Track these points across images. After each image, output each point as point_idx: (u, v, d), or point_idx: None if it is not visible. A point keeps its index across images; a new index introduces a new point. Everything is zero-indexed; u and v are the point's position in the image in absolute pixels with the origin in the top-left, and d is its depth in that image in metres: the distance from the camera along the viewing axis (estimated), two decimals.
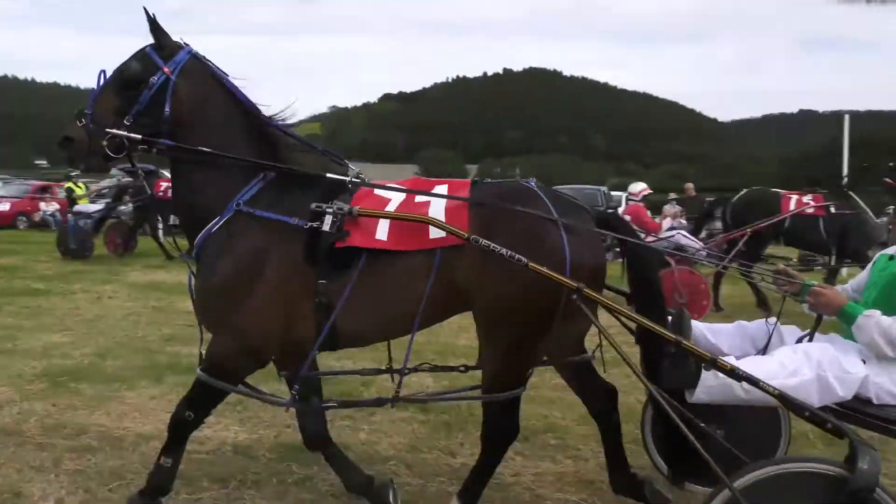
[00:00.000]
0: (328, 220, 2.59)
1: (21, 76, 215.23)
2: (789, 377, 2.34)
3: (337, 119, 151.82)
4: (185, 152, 2.75)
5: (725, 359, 2.33)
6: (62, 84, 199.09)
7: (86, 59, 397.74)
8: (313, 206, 2.62)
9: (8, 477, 3.41)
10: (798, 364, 2.38)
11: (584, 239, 2.60)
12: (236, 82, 2.86)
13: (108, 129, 2.67)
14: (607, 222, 2.82)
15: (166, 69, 2.71)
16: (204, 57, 2.86)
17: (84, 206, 14.57)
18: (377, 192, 2.76)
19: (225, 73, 2.88)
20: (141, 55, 2.77)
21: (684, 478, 2.98)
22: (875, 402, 2.42)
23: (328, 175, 2.78)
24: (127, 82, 2.73)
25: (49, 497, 3.21)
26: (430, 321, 2.75)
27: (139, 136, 2.70)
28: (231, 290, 2.65)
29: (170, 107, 2.70)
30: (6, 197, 21.78)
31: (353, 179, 2.79)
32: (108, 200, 13.97)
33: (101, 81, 2.76)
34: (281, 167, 2.77)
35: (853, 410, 2.42)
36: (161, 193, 10.34)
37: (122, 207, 13.70)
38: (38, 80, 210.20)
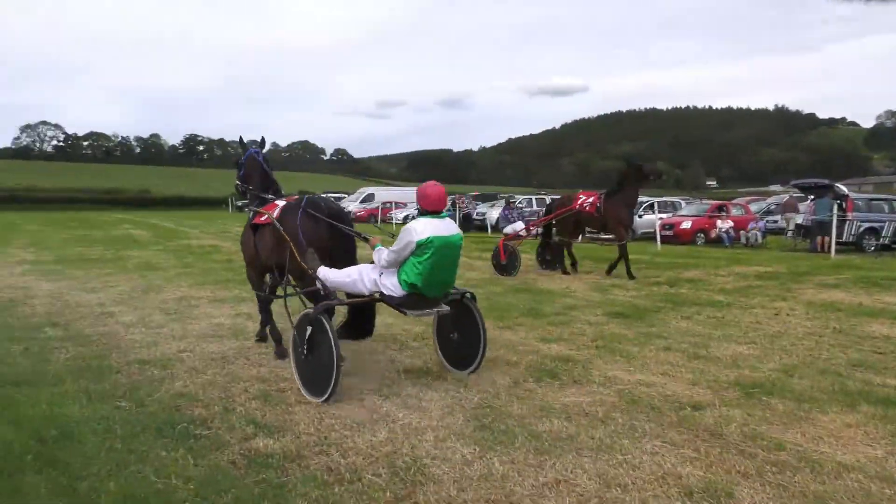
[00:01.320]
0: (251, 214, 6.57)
1: (699, 105, 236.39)
2: (346, 278, 5.46)
3: None
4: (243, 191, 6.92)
5: (321, 271, 5.58)
6: (734, 108, 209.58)
7: (759, 83, 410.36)
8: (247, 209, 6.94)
9: (718, 476, 3.73)
10: (351, 273, 5.47)
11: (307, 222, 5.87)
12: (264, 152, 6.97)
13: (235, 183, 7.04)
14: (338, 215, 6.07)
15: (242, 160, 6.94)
16: (257, 152, 6.83)
17: None
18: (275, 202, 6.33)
19: (258, 152, 6.85)
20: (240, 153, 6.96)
21: (454, 365, 5.90)
22: (385, 292, 5.26)
23: (262, 196, 6.66)
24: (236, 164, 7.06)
25: None
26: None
27: (237, 185, 7.00)
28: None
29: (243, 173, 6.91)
30: (688, 216, 24.28)
31: (268, 196, 6.61)
32: None
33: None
34: (256, 192, 6.74)
35: (380, 295, 5.33)
36: (581, 207, 12.97)
37: None
38: (713, 106, 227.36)
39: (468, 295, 5.81)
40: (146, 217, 46.19)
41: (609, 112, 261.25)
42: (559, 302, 9.70)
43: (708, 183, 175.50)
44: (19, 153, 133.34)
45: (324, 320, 5.00)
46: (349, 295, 5.70)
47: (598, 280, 12.21)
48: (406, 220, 37.99)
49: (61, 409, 4.78)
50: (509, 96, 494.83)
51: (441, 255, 5.14)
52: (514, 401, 5.05)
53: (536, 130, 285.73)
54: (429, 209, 5.25)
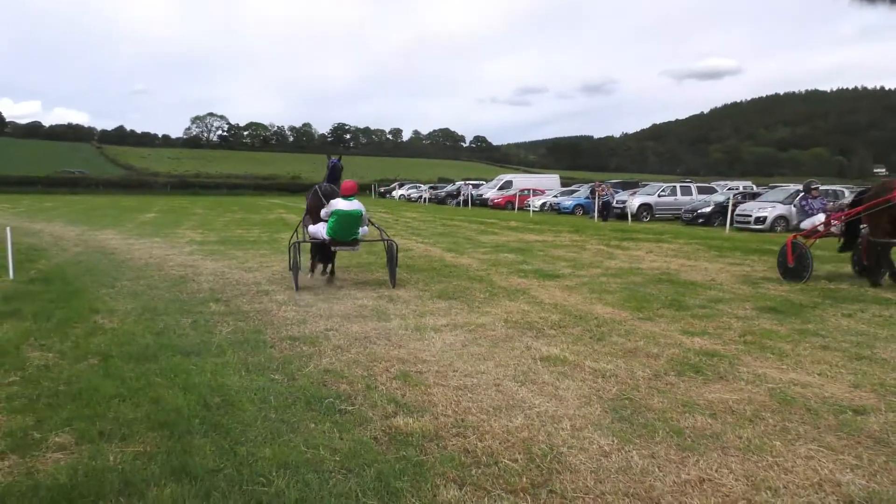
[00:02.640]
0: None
1: (870, 85, 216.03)
2: (315, 230, 9.92)
3: None
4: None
5: (310, 227, 10.27)
6: None
7: None
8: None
9: (883, 486, 3.42)
10: (317, 227, 9.89)
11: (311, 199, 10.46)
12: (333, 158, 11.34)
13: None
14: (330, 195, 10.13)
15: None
16: (335, 162, 11.11)
17: None
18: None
19: (337, 159, 11.26)
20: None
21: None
22: (321, 237, 9.80)
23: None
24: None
25: None
26: None
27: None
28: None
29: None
30: None
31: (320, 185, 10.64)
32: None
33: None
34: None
35: (324, 238, 9.78)
36: None
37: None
38: (887, 87, 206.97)
39: (387, 242, 10.25)
40: (298, 202, 48.85)
41: (764, 95, 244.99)
42: (704, 294, 9.25)
43: (876, 170, 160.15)
44: (189, 142, 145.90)
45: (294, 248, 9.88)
46: (315, 238, 10.13)
47: (748, 272, 11.51)
48: (543, 206, 37.72)
49: (223, 378, 5.19)
50: (654, 80, 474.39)
51: (342, 219, 9.61)
52: (654, 394, 4.88)
53: (683, 115, 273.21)
54: (343, 195, 9.80)
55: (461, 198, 45.71)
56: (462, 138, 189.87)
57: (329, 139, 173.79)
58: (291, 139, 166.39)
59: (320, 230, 9.90)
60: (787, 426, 4.26)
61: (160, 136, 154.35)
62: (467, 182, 52.84)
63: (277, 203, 46.08)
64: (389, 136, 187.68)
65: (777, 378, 5.27)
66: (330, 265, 10.61)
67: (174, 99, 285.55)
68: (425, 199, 51.92)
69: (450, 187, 54.65)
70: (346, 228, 9.62)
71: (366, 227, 10.03)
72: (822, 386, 5.07)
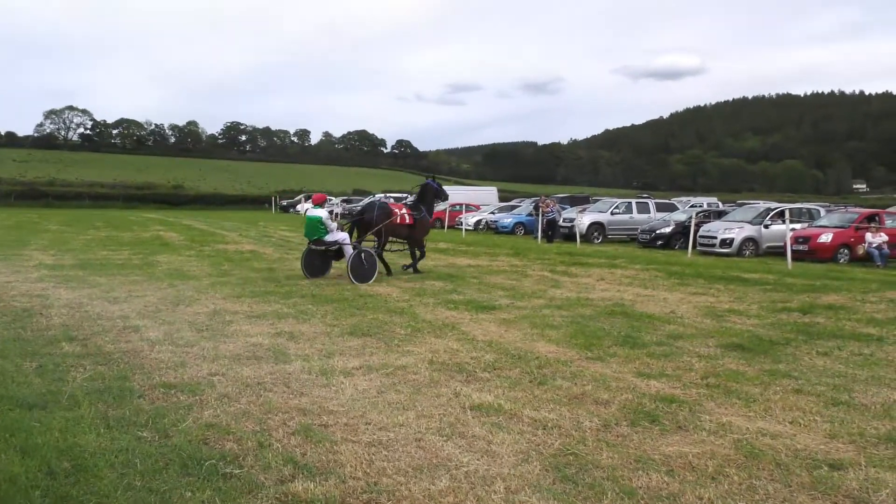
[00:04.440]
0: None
1: (848, 90, 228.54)
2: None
3: None
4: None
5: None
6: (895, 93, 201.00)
7: None
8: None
9: None
10: (343, 235, 15.04)
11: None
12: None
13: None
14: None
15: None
16: (431, 182, 17.23)
17: None
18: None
19: (431, 180, 17.44)
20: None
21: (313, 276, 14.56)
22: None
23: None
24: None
25: None
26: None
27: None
28: None
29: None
30: (828, 227, 23.45)
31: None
32: None
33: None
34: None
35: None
36: None
37: None
38: (867, 91, 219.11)
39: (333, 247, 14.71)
40: (179, 217, 47.80)
41: (730, 99, 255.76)
42: (662, 329, 9.50)
43: (855, 186, 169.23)
44: (42, 142, 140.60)
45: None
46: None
47: (712, 303, 11.91)
48: (478, 225, 38.11)
49: (76, 437, 4.97)
50: (607, 79, 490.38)
51: (307, 223, 14.74)
52: (603, 448, 4.96)
53: (639, 120, 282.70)
54: (314, 204, 14.94)
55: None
56: (382, 143, 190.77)
57: (220, 141, 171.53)
58: (173, 140, 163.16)
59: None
60: (753, 484, 4.39)
61: (3, 133, 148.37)
62: (388, 195, 52.95)
63: (154, 218, 44.97)
64: (295, 139, 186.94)
65: (743, 427, 5.44)
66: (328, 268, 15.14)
67: (22, 89, 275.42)
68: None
69: (367, 201, 54.56)
70: (309, 230, 14.59)
71: (337, 234, 14.70)
72: (795, 436, 5.26)
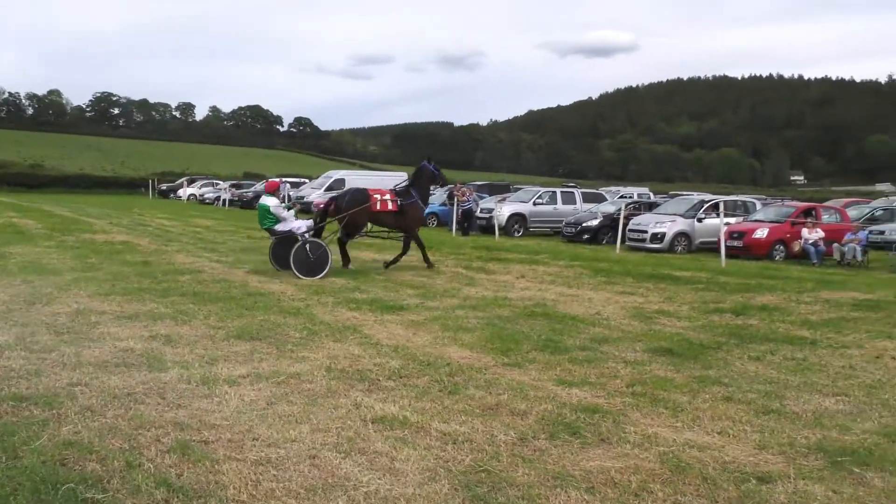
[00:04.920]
0: None
1: (787, 74, 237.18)
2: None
3: None
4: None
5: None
6: (834, 79, 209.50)
7: (870, 46, 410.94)
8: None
9: None
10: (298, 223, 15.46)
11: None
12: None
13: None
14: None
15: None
16: (426, 164, 17.13)
17: None
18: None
19: (426, 161, 17.21)
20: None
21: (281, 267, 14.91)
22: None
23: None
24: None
25: None
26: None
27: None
28: None
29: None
30: (764, 222, 24.37)
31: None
32: None
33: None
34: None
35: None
36: None
37: None
38: (806, 76, 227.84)
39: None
40: (37, 201, 46.13)
41: (664, 80, 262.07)
42: (586, 332, 9.71)
43: (793, 178, 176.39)
44: None
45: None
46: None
47: (640, 303, 12.23)
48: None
49: None
50: (531, 55, 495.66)
51: (258, 212, 15.48)
52: (518, 464, 5.03)
53: (566, 101, 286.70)
54: (266, 191, 16.14)
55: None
56: (278, 120, 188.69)
57: (88, 114, 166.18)
58: (31, 112, 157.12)
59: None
60: (679, 500, 4.53)
61: None
62: (283, 180, 52.34)
63: (6, 202, 43.26)
64: (177, 114, 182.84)
65: (670, 439, 5.61)
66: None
67: None
68: (225, 201, 50.82)
69: (260, 185, 53.86)
70: (260, 218, 15.30)
71: (291, 222, 15.04)
72: (723, 448, 5.46)
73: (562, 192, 34.80)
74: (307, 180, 53.86)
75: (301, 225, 15.20)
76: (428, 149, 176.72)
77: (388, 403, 6.34)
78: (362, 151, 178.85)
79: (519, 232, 31.28)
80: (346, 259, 15.96)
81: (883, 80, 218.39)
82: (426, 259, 16.51)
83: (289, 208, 16.19)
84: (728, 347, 8.99)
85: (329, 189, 44.89)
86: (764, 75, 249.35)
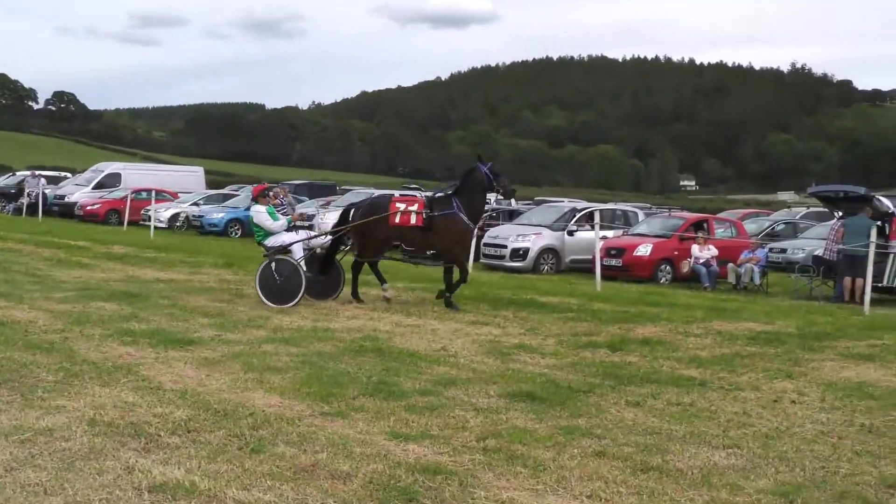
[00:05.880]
0: None
1: (676, 57, 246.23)
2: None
3: None
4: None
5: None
6: (730, 65, 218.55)
7: (772, 29, 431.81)
8: None
9: None
10: (290, 236, 15.96)
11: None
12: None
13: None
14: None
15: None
16: (481, 165, 16.37)
17: None
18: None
19: (482, 165, 16.39)
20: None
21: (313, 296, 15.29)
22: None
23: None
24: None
25: None
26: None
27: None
28: None
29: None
30: (647, 236, 25.15)
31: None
32: None
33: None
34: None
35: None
36: None
37: None
38: (698, 61, 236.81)
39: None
40: None
41: (531, 59, 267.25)
42: (429, 372, 9.79)
43: (683, 183, 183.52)
44: None
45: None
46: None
47: (497, 336, 12.40)
48: (175, 221, 37.45)
49: None
50: (364, 22, 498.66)
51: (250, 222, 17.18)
52: None
53: (409, 82, 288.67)
54: (252, 198, 17.07)
55: (25, 200, 43.76)
56: (31, 94, 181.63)
57: None
58: None
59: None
60: None
61: None
62: (37, 173, 50.46)
63: None
64: None
65: None
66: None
67: None
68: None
69: (5, 181, 51.78)
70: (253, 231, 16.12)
71: (281, 235, 15.18)
72: None
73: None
74: (69, 175, 52.09)
75: (294, 237, 15.53)
76: (230, 136, 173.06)
77: (170, 466, 6.18)
78: (145, 138, 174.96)
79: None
80: (355, 291, 15.92)
81: (786, 68, 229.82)
82: (452, 292, 15.77)
83: (289, 220, 15.97)
84: (602, 391, 9.23)
85: (99, 186, 43.65)
86: (650, 57, 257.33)
